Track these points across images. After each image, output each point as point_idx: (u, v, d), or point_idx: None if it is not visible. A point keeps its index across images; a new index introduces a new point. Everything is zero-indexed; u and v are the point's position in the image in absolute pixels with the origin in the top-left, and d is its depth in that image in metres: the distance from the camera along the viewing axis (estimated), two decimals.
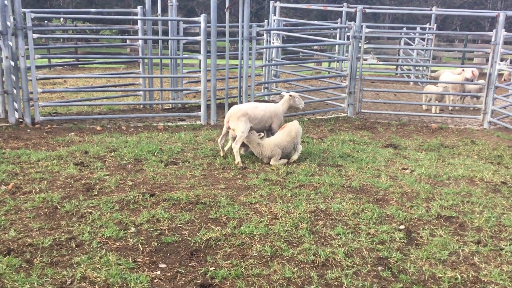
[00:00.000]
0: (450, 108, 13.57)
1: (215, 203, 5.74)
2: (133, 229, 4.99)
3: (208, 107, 10.48)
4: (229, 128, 7.60)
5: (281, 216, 5.42)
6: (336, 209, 5.70)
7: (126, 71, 17.75)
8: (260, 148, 7.53)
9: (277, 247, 4.68)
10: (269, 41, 14.30)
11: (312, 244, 4.76)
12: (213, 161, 7.54)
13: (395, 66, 20.48)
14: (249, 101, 10.44)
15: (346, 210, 5.70)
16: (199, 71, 12.11)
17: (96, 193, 5.94)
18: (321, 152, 8.38)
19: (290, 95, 8.22)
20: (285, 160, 7.63)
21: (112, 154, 7.61)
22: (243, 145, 8.03)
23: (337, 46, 17.98)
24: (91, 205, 5.57)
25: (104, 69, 19.29)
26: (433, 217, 5.62)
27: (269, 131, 8.05)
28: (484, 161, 8.55)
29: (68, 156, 7.40)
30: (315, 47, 22.16)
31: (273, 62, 13.99)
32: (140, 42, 11.72)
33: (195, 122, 10.57)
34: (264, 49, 13.86)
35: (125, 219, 5.21)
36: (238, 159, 7.39)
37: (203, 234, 4.91)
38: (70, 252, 4.52)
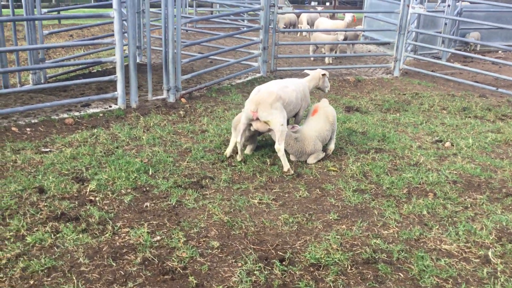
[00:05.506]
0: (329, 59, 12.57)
1: (387, 255, 3.78)
2: None
3: (126, 82, 7.53)
4: (254, 119, 5.28)
5: (492, 258, 3.82)
6: None
7: None
8: (300, 144, 5.52)
9: None
10: None
11: None
12: (241, 172, 5.27)
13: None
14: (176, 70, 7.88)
15: None
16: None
17: (195, 281, 3.36)
18: None
19: (324, 74, 6.17)
20: (323, 154, 5.80)
21: (92, 187, 4.67)
22: (248, 140, 5.85)
23: None
24: None
25: None
26: None
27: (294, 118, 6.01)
28: (461, 116, 8.08)
29: (28, 203, 4.26)
30: None
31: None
32: None
33: (109, 106, 7.56)
34: None
35: None
36: (287, 166, 5.26)
37: None
38: None
